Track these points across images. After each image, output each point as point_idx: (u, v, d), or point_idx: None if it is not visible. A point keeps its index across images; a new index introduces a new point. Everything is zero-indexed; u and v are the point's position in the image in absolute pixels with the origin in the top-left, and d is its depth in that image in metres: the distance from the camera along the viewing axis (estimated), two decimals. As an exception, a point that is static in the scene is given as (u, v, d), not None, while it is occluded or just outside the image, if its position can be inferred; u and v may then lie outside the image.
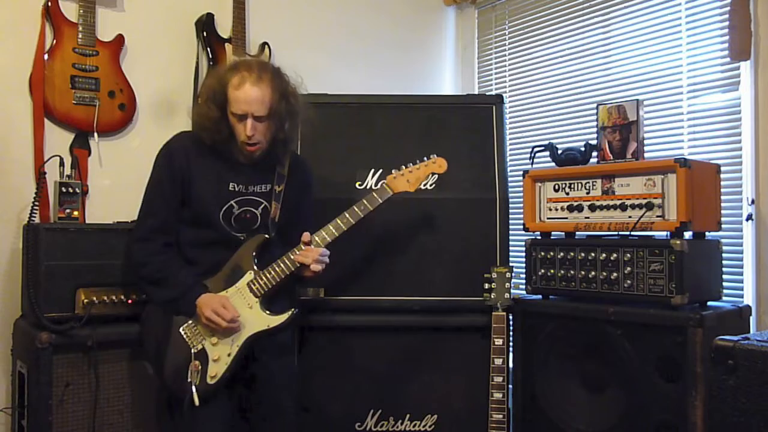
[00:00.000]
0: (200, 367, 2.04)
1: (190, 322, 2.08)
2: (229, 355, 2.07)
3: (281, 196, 2.19)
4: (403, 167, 2.26)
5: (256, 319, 2.10)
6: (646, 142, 2.43)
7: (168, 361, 2.06)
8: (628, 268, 2.21)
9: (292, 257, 2.12)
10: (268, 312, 2.11)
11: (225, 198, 2.13)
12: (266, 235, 2.17)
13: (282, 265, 2.12)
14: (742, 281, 2.55)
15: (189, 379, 2.01)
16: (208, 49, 2.92)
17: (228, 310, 2.04)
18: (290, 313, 2.12)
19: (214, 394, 2.05)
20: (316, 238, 2.15)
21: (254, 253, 2.13)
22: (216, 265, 2.13)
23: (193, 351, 2.05)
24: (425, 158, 2.28)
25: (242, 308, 2.09)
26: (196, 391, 2.00)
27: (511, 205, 2.61)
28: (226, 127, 2.09)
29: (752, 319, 2.37)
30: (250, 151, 2.11)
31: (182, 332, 2.08)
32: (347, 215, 2.17)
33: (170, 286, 2.08)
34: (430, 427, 2.54)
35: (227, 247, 2.14)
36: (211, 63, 2.89)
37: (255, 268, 2.12)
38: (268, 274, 2.12)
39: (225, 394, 2.09)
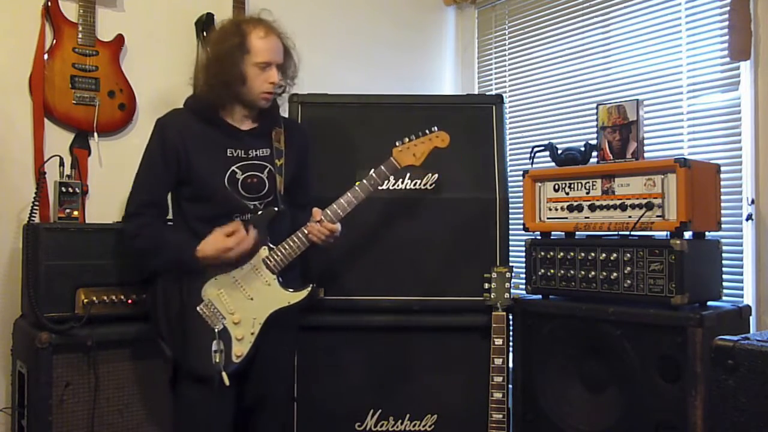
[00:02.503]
0: (223, 347, 2.04)
1: (205, 300, 2.07)
2: (252, 333, 2.09)
3: (282, 169, 2.19)
4: (407, 139, 2.24)
5: (276, 296, 2.11)
6: (646, 142, 2.43)
7: (189, 342, 2.05)
8: (628, 268, 2.21)
9: (306, 232, 2.12)
10: (286, 288, 2.12)
11: (226, 165, 2.13)
12: (276, 209, 2.15)
13: (297, 240, 2.13)
14: (742, 281, 2.55)
15: (215, 361, 2.02)
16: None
17: (234, 234, 2.03)
18: (309, 288, 2.14)
19: (238, 374, 2.07)
20: (329, 213, 2.15)
21: (265, 229, 2.12)
22: None
23: (216, 330, 2.05)
24: (427, 131, 2.26)
25: (260, 285, 2.11)
26: (224, 372, 2.01)
27: (511, 205, 2.60)
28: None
29: (752, 319, 2.37)
30: (266, 100, 2.15)
31: (200, 311, 2.07)
32: (358, 189, 2.17)
33: (166, 248, 2.08)
34: (430, 426, 2.54)
35: (238, 218, 2.12)
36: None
37: (268, 243, 2.12)
38: (283, 250, 2.12)
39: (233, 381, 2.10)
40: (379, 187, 2.24)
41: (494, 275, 2.45)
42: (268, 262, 2.11)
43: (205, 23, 2.92)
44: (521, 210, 2.56)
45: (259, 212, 2.14)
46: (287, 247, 2.12)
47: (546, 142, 2.64)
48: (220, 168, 2.13)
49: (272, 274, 2.12)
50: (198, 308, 2.07)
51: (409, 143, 2.23)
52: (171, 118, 2.18)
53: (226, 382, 2.01)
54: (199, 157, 2.12)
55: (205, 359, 2.03)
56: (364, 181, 2.19)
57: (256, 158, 2.17)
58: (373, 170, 2.21)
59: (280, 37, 2.15)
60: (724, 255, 2.36)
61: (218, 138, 2.15)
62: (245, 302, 2.10)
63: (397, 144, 2.24)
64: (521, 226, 2.56)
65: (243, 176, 2.14)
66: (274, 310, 2.11)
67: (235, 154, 2.15)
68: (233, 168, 2.13)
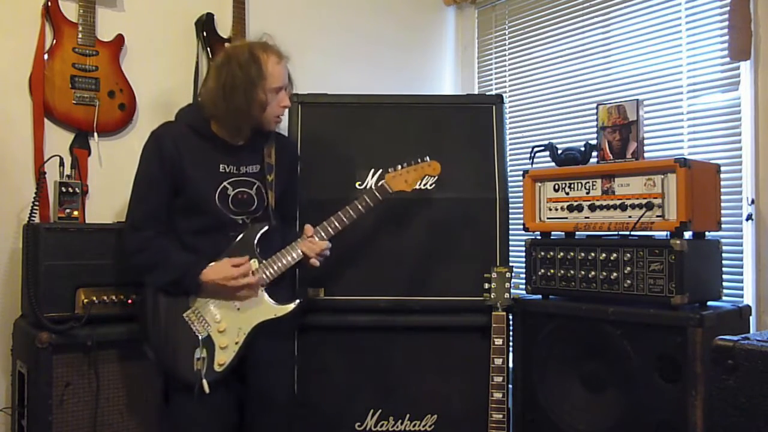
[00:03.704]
0: (206, 355, 2.05)
1: (193, 307, 2.09)
2: (236, 343, 2.09)
3: (273, 184, 2.23)
4: (399, 166, 2.29)
5: (263, 308, 2.13)
6: (646, 142, 2.43)
7: (173, 347, 2.06)
8: (628, 268, 2.21)
9: (297, 248, 2.16)
10: (274, 301, 2.14)
11: (218, 180, 2.15)
12: (266, 225, 2.18)
13: (288, 255, 2.16)
14: (742, 281, 2.55)
15: (196, 368, 2.03)
16: (208, 49, 2.92)
17: (240, 266, 2.07)
18: (296, 303, 2.16)
19: (220, 383, 2.07)
20: (321, 232, 2.19)
21: (256, 243, 2.14)
22: (216, 254, 2.13)
23: (200, 338, 2.06)
24: (419, 159, 2.31)
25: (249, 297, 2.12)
26: (204, 379, 2.02)
27: (511, 205, 2.60)
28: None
29: (752, 319, 2.37)
30: (277, 123, 2.22)
31: (186, 318, 2.08)
32: (349, 210, 2.22)
33: (170, 267, 2.08)
34: (430, 427, 2.54)
35: (226, 232, 2.15)
36: (211, 63, 2.89)
37: (258, 257, 2.14)
38: (273, 264, 2.14)
39: (223, 386, 2.09)
40: (371, 209, 2.26)
41: (494, 275, 2.45)
42: (258, 275, 2.13)
43: (205, 23, 2.92)
44: (521, 210, 2.56)
45: (249, 227, 2.16)
46: (278, 261, 2.15)
47: (546, 142, 2.64)
48: (212, 183, 2.15)
49: (261, 286, 2.13)
50: (184, 315, 2.09)
51: (402, 170, 2.29)
52: (166, 130, 2.19)
53: (206, 389, 2.02)
54: (193, 170, 2.13)
55: (188, 365, 2.04)
56: (356, 202, 2.23)
57: (247, 174, 2.20)
58: (364, 192, 2.25)
59: (286, 61, 2.19)
60: (724, 255, 2.36)
61: (212, 153, 2.17)
62: (232, 312, 2.11)
63: (390, 170, 2.29)
64: (521, 226, 2.56)
65: (234, 192, 2.17)
66: (260, 322, 2.12)
67: (227, 170, 2.17)
68: (225, 183, 2.16)
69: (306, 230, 2.19)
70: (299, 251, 2.16)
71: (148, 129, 2.21)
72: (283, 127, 2.47)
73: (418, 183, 2.33)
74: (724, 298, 2.33)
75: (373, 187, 2.28)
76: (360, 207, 2.23)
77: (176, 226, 2.16)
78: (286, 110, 2.24)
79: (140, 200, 2.15)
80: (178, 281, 2.07)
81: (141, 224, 2.12)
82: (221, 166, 2.17)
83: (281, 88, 2.16)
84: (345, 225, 2.21)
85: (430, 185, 2.58)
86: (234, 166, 2.18)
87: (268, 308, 2.13)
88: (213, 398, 2.05)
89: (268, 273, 2.14)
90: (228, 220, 2.16)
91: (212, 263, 2.09)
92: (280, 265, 2.15)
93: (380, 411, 2.54)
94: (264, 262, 2.14)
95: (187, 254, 2.12)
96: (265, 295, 2.14)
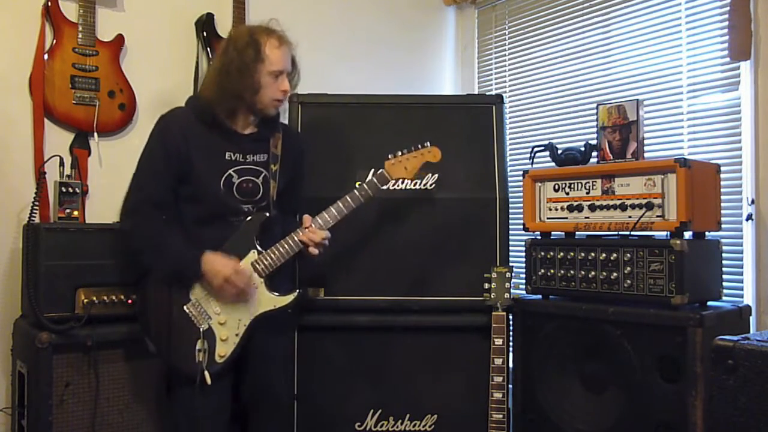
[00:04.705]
0: (207, 347, 2.05)
1: (193, 300, 2.09)
2: (237, 335, 2.10)
3: (277, 174, 2.22)
4: (399, 153, 2.26)
5: (263, 299, 2.13)
6: (646, 142, 2.43)
7: (174, 340, 2.07)
8: (628, 268, 2.21)
9: (296, 238, 2.15)
10: (273, 292, 2.14)
11: (223, 167, 2.15)
12: (267, 214, 2.18)
13: (286, 245, 2.15)
14: (742, 281, 2.55)
15: (198, 359, 2.03)
16: (208, 49, 2.92)
17: (241, 276, 2.06)
18: (296, 293, 2.16)
19: (222, 375, 2.07)
20: (319, 221, 2.18)
21: (256, 233, 2.15)
22: (220, 243, 2.13)
23: (201, 330, 2.07)
24: (419, 146, 2.28)
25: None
26: (207, 371, 2.03)
27: (511, 205, 2.60)
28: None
29: (752, 319, 2.37)
30: (276, 107, 2.19)
31: (187, 311, 2.09)
32: (348, 199, 2.20)
33: (167, 256, 2.09)
34: (430, 427, 2.54)
35: (231, 220, 2.15)
36: (211, 63, 2.89)
37: (258, 248, 2.14)
38: (272, 254, 2.14)
39: (225, 378, 2.10)
40: (370, 198, 2.25)
41: (494, 275, 2.45)
42: (257, 265, 2.13)
43: (205, 23, 2.92)
44: (521, 210, 2.56)
45: (249, 218, 2.16)
46: (276, 252, 2.15)
47: (546, 142, 2.64)
48: (218, 171, 2.15)
49: (260, 277, 2.13)
50: (185, 307, 2.09)
51: (401, 157, 2.26)
52: (174, 116, 2.19)
53: (208, 381, 2.03)
54: (198, 158, 2.13)
55: (189, 358, 2.05)
56: (355, 191, 2.22)
57: (253, 163, 2.20)
58: (364, 182, 2.24)
59: (289, 46, 2.19)
60: (724, 255, 2.36)
61: (218, 141, 2.17)
62: (232, 304, 2.11)
63: (389, 157, 2.26)
64: (521, 226, 2.56)
65: (239, 180, 2.17)
66: (260, 313, 2.12)
67: (233, 158, 2.17)
68: (230, 171, 2.16)
69: (304, 220, 2.18)
70: (298, 240, 2.15)
71: (148, 129, 2.21)
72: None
73: (418, 171, 2.28)
74: (724, 298, 2.33)
75: (373, 175, 2.26)
76: (359, 196, 2.21)
77: (182, 214, 2.16)
78: (287, 95, 2.21)
79: (137, 187, 2.14)
80: (177, 271, 2.08)
81: (136, 207, 2.12)
82: (227, 153, 2.16)
83: (281, 72, 2.15)
84: (344, 214, 2.20)
85: (431, 185, 2.58)
86: (240, 154, 2.18)
87: (267, 299, 2.13)
88: (215, 391, 2.06)
89: (266, 262, 2.13)
90: (233, 208, 2.16)
91: (212, 255, 2.07)
92: (278, 254, 2.14)
93: (380, 411, 2.54)
94: (263, 252, 2.14)
95: (183, 243, 2.10)
96: (265, 287, 2.13)
